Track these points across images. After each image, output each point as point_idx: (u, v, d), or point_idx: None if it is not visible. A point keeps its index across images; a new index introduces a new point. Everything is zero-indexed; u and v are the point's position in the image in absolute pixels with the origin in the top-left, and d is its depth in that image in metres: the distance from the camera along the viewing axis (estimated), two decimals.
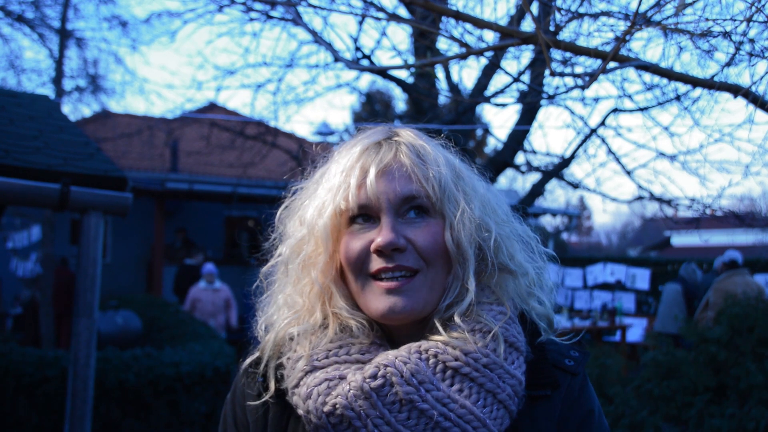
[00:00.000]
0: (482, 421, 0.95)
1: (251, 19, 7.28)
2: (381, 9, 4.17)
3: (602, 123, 7.90)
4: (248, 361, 1.14)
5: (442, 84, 8.87)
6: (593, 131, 8.11)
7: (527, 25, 3.89)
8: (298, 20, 4.25)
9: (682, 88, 3.72)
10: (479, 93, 7.89)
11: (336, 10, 3.94)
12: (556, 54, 3.38)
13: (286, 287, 1.12)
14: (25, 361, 4.93)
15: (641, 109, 5.58)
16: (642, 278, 11.89)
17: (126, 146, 12.19)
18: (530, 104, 7.53)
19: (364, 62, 7.64)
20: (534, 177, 10.83)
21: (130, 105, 39.25)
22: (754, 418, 4.59)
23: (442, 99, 8.90)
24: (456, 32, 3.56)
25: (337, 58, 6.81)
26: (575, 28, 2.96)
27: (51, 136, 3.72)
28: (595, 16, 2.75)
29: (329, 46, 4.56)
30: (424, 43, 6.13)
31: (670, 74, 2.44)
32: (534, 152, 9.77)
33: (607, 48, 2.87)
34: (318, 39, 4.70)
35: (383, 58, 13.47)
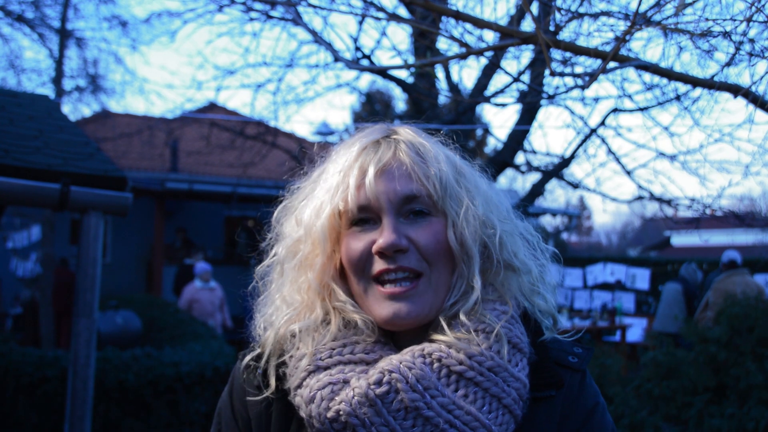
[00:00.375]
0: (488, 428, 0.93)
1: (251, 19, 7.28)
2: (381, 9, 4.17)
3: (602, 123, 7.90)
4: (248, 357, 1.12)
5: (442, 84, 8.87)
6: (593, 131, 8.11)
7: (527, 25, 3.89)
8: (298, 20, 4.25)
9: (682, 88, 3.73)
10: (479, 93, 7.89)
11: (336, 10, 3.95)
12: (556, 54, 3.38)
13: (283, 287, 1.10)
14: (25, 360, 4.94)
15: (641, 109, 5.58)
16: (642, 278, 11.90)
17: (126, 146, 12.19)
18: (530, 104, 7.53)
19: (364, 62, 7.64)
20: (534, 177, 10.83)
21: (130, 105, 39.28)
22: (754, 418, 4.59)
23: (442, 99, 8.90)
24: (456, 32, 3.56)
25: (337, 58, 6.81)
26: (575, 28, 2.96)
27: (51, 136, 3.72)
28: (595, 16, 2.75)
29: (329, 46, 4.56)
30: (424, 43, 6.13)
31: (670, 74, 2.44)
32: (534, 152, 9.78)
33: (607, 48, 2.87)
34: (318, 39, 4.70)
35: (383, 58, 13.48)
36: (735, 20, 2.02)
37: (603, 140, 8.28)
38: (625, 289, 11.86)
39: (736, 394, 4.95)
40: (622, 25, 2.70)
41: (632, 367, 9.19)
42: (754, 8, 1.89)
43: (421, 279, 0.99)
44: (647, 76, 4.07)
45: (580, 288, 12.05)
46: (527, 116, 8.23)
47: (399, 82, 8.14)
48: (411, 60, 7.73)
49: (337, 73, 14.36)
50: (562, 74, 3.29)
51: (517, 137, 8.65)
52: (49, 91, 10.42)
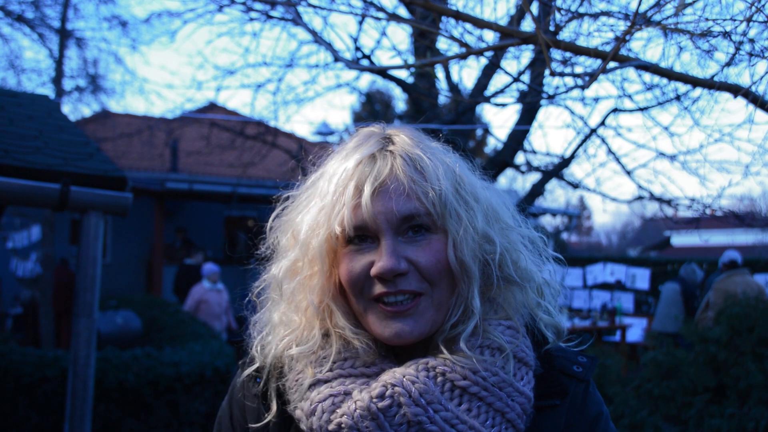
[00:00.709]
0: None
1: (251, 19, 7.28)
2: (381, 9, 4.17)
3: (602, 123, 7.90)
4: (248, 371, 1.10)
5: (442, 84, 8.88)
6: (593, 131, 8.11)
7: (527, 25, 3.89)
8: (298, 20, 4.25)
9: (682, 88, 3.73)
10: (479, 93, 7.89)
11: (336, 10, 3.94)
12: (556, 54, 3.38)
13: (279, 305, 1.08)
14: (25, 361, 4.94)
15: (641, 109, 5.58)
16: (642, 278, 11.90)
17: (126, 146, 12.20)
18: (530, 104, 7.53)
19: (364, 62, 7.64)
20: (534, 177, 10.83)
21: (130, 105, 39.36)
22: (754, 418, 4.59)
23: (442, 99, 8.90)
24: (456, 32, 3.56)
25: (337, 58, 6.81)
26: (575, 28, 2.96)
27: (51, 136, 3.72)
28: (595, 16, 2.75)
29: (329, 46, 4.56)
30: (424, 43, 6.13)
31: (670, 74, 2.43)
32: (534, 152, 9.78)
33: (607, 48, 2.87)
34: (318, 39, 4.70)
35: (383, 58, 13.49)
36: (735, 20, 2.02)
37: (603, 140, 8.29)
38: (624, 289, 11.86)
39: (736, 394, 4.95)
40: (622, 25, 2.70)
41: (632, 367, 9.19)
42: (754, 8, 1.89)
43: (422, 297, 0.97)
44: (647, 76, 4.07)
45: (579, 288, 12.05)
46: (527, 116, 8.23)
47: (399, 82, 8.14)
48: (411, 60, 7.73)
49: (337, 73, 14.37)
50: (562, 74, 3.29)
51: (517, 137, 8.65)
52: (49, 91, 10.43)
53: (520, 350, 1.00)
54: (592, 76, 2.41)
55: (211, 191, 12.56)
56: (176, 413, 5.26)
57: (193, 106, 10.39)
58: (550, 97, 5.90)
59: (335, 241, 0.99)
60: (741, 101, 2.34)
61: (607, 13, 2.74)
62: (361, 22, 7.65)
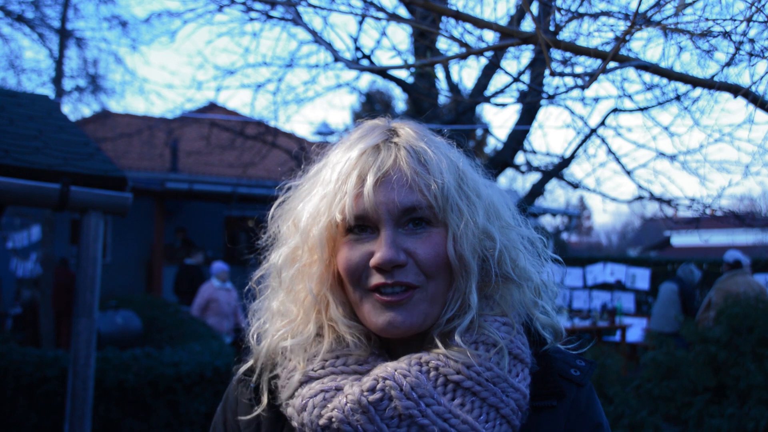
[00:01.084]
0: None
1: (251, 19, 7.29)
2: (381, 9, 4.17)
3: (602, 123, 7.91)
4: (242, 370, 1.11)
5: (442, 84, 8.88)
6: (593, 131, 8.12)
7: (527, 25, 3.89)
8: (298, 20, 4.25)
9: (682, 88, 3.73)
10: (479, 93, 7.89)
11: (336, 10, 3.94)
12: (556, 54, 3.38)
13: (278, 293, 1.08)
14: (25, 361, 4.93)
15: (641, 109, 5.59)
16: (642, 278, 11.89)
17: (126, 146, 12.20)
18: (530, 104, 7.54)
19: (364, 62, 7.64)
20: (534, 177, 10.84)
21: (130, 105, 39.37)
22: (754, 418, 4.59)
23: (442, 99, 8.90)
24: (456, 32, 3.56)
25: (337, 58, 6.81)
26: (575, 28, 2.96)
27: (51, 136, 3.72)
28: (595, 16, 2.75)
29: (329, 46, 4.56)
30: (424, 43, 6.13)
31: (670, 74, 2.43)
32: (534, 152, 9.78)
33: (607, 48, 2.87)
34: (318, 39, 4.70)
35: (383, 58, 13.49)
36: (735, 20, 2.02)
37: (603, 140, 8.29)
38: (624, 289, 11.86)
39: (736, 394, 4.95)
40: (622, 25, 2.70)
41: (632, 367, 9.19)
42: (754, 8, 1.89)
43: (416, 290, 0.96)
44: (647, 76, 4.07)
45: (579, 288, 12.05)
46: (527, 116, 8.23)
47: (399, 82, 8.14)
48: (411, 60, 7.73)
49: (337, 73, 14.37)
50: (562, 74, 3.29)
51: (517, 137, 8.65)
52: (49, 91, 10.43)
53: (516, 347, 1.00)
54: (592, 76, 2.41)
55: (211, 191, 12.56)
56: (176, 413, 5.26)
57: (193, 106, 10.41)
58: (550, 97, 5.90)
59: (335, 230, 0.99)
60: (741, 101, 2.34)
61: (607, 13, 2.74)
62: (361, 22, 7.65)
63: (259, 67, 9.03)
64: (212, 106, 12.02)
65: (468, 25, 3.29)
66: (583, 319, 9.87)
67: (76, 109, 16.52)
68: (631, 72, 4.30)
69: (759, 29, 2.27)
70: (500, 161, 8.61)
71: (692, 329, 5.69)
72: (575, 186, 9.36)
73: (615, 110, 7.31)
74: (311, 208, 1.02)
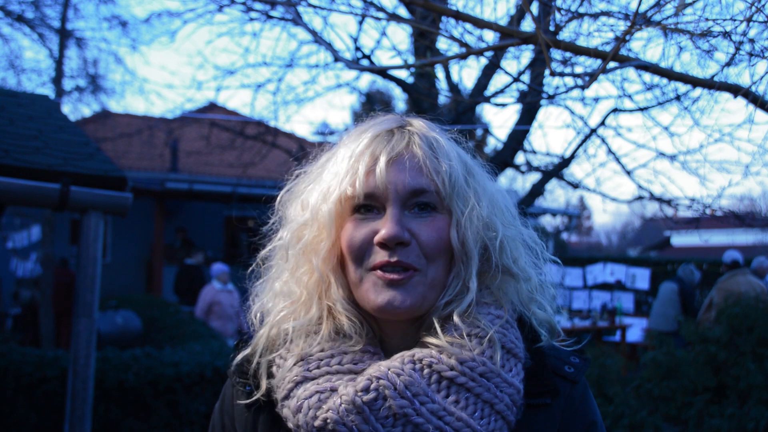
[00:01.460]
0: None
1: (251, 19, 7.28)
2: (381, 9, 4.17)
3: (602, 123, 7.90)
4: (239, 357, 1.10)
5: (442, 84, 8.87)
6: (593, 131, 8.11)
7: (527, 25, 3.89)
8: (298, 20, 4.25)
9: (682, 88, 3.73)
10: (479, 93, 7.89)
11: (336, 10, 3.95)
12: (556, 54, 3.38)
13: (283, 273, 1.08)
14: (25, 361, 4.93)
15: (641, 109, 5.59)
16: (642, 278, 11.89)
17: (126, 146, 12.20)
18: (530, 104, 7.53)
19: (364, 62, 7.64)
20: (534, 177, 10.83)
21: (130, 105, 39.40)
22: (754, 418, 4.59)
23: (442, 99, 8.89)
24: (456, 32, 3.56)
25: (337, 58, 6.81)
26: (575, 28, 2.96)
27: (51, 136, 3.72)
28: (595, 16, 2.75)
29: (329, 46, 4.56)
30: (424, 43, 6.13)
31: (670, 74, 2.43)
32: (534, 152, 9.77)
33: (607, 48, 2.87)
34: (318, 39, 4.70)
35: (383, 58, 13.49)
36: (735, 20, 2.02)
37: (603, 140, 8.28)
38: (624, 289, 11.86)
39: (736, 394, 4.95)
40: (622, 25, 2.70)
41: (632, 367, 9.18)
42: (754, 8, 1.89)
43: (416, 273, 0.97)
44: (647, 76, 4.07)
45: (579, 288, 12.05)
46: (527, 116, 8.23)
47: (399, 82, 8.14)
48: (411, 60, 7.73)
49: (337, 73, 14.37)
50: (562, 74, 3.29)
51: (517, 137, 8.64)
52: (49, 91, 10.43)
53: (509, 341, 1.00)
54: (592, 76, 2.41)
55: (211, 191, 12.56)
56: (176, 413, 5.26)
57: (193, 106, 10.39)
58: (550, 97, 5.90)
59: (342, 207, 1.01)
60: (741, 101, 2.34)
61: (607, 13, 2.74)
62: (361, 22, 7.64)
63: (259, 67, 9.02)
64: (212, 106, 12.02)
65: (468, 25, 3.29)
66: (583, 319, 9.87)
67: (76, 109, 16.54)
68: (631, 72, 4.31)
69: (759, 29, 2.27)
70: (500, 161, 8.61)
71: (692, 329, 5.69)
72: (575, 186, 9.36)
73: (615, 110, 7.30)
74: (322, 186, 1.04)
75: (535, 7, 3.79)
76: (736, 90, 2.28)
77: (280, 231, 1.10)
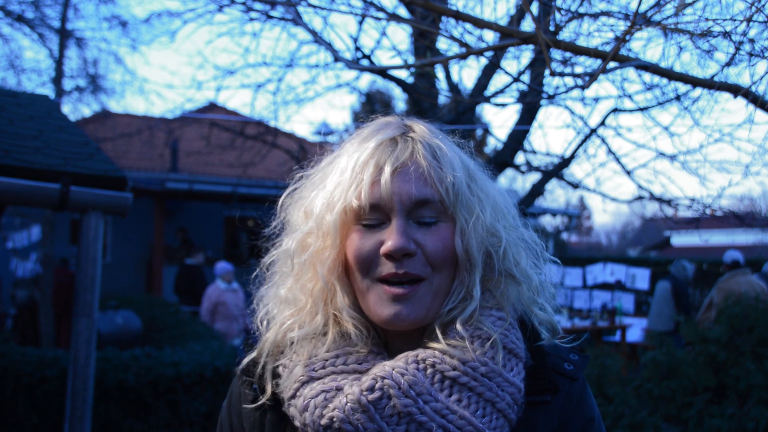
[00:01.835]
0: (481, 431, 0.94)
1: (251, 19, 7.28)
2: (381, 9, 4.17)
3: (602, 123, 7.90)
4: (245, 361, 1.12)
5: (442, 84, 8.87)
6: (593, 131, 8.11)
7: (527, 25, 3.89)
8: (298, 20, 4.25)
9: (682, 88, 3.73)
10: (479, 93, 7.89)
11: (336, 10, 3.94)
12: (556, 54, 3.38)
13: (287, 279, 1.09)
14: (25, 361, 4.93)
15: (641, 109, 5.58)
16: (642, 278, 11.89)
17: (126, 146, 12.21)
18: (530, 104, 7.53)
19: (364, 62, 7.64)
20: (534, 177, 10.83)
21: (130, 105, 39.43)
22: (754, 418, 4.59)
23: (442, 99, 8.90)
24: (456, 32, 3.56)
25: (337, 58, 6.81)
26: (575, 28, 2.96)
27: (51, 136, 3.72)
28: (595, 16, 2.75)
29: (329, 46, 4.56)
30: (424, 43, 6.13)
31: (670, 74, 2.43)
32: (534, 152, 9.77)
33: (607, 48, 2.87)
34: (318, 39, 4.70)
35: (383, 58, 13.49)
36: (735, 20, 2.02)
37: (603, 140, 8.28)
38: (624, 289, 11.85)
39: (736, 394, 4.94)
40: (622, 25, 2.70)
41: (632, 367, 9.18)
42: (754, 8, 1.89)
43: (422, 283, 0.99)
44: (647, 76, 4.07)
45: (579, 288, 12.05)
46: (527, 116, 8.23)
47: (399, 82, 8.14)
48: (411, 60, 7.73)
49: (337, 73, 14.37)
50: (562, 74, 3.29)
51: (517, 137, 8.64)
52: (49, 91, 10.43)
53: (510, 341, 1.02)
54: (592, 76, 2.41)
55: (211, 191, 12.57)
56: (176, 413, 5.26)
57: (193, 106, 10.40)
58: (550, 97, 5.90)
59: (347, 217, 1.01)
60: (741, 101, 2.34)
61: (607, 13, 2.74)
62: (361, 22, 7.64)
63: (259, 67, 9.03)
64: (212, 106, 12.03)
65: (468, 25, 3.29)
66: (583, 319, 9.86)
67: (76, 109, 16.52)
68: (631, 72, 4.31)
69: (759, 29, 2.27)
70: (500, 161, 8.61)
71: (692, 329, 5.69)
72: (575, 186, 9.36)
73: (615, 110, 7.30)
74: (326, 194, 1.04)
75: (535, 7, 3.79)
76: (736, 90, 2.28)
77: (284, 236, 1.11)
